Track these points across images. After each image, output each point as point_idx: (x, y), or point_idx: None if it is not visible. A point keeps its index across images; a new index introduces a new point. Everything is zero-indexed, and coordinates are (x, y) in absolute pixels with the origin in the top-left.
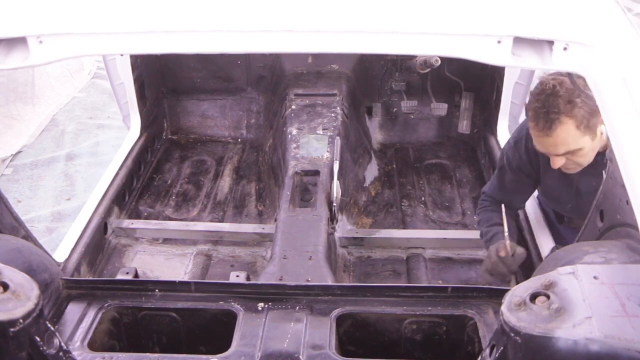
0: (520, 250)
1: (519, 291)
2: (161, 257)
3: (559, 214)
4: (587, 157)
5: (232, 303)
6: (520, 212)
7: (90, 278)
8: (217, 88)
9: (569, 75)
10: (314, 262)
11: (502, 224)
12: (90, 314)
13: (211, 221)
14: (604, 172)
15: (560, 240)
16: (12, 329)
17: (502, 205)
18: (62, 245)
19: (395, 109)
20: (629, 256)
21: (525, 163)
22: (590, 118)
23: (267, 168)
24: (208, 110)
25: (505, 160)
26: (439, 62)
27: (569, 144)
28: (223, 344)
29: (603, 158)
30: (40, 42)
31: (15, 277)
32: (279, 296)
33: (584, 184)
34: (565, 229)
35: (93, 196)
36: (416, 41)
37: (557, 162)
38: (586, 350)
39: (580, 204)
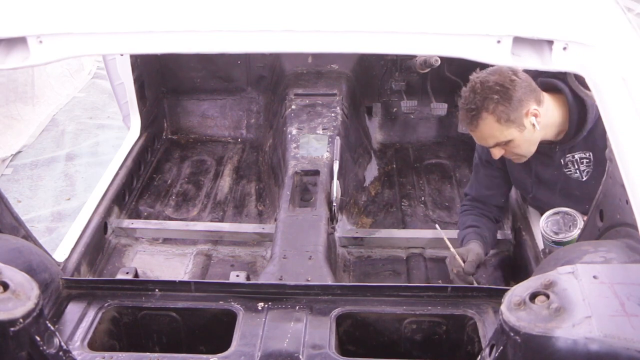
0: (471, 257)
1: (518, 291)
2: (161, 257)
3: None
4: (522, 148)
5: (232, 303)
6: (518, 210)
7: (90, 278)
8: (217, 88)
9: (501, 67)
10: (314, 262)
11: (474, 226)
12: (90, 313)
13: (211, 221)
14: (561, 160)
15: None
16: (12, 329)
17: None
18: (62, 245)
19: (395, 109)
20: (628, 256)
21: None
22: (510, 112)
23: (267, 168)
24: (208, 110)
25: (477, 157)
26: (439, 62)
27: (495, 137)
28: (223, 344)
29: (556, 148)
30: (40, 42)
31: (15, 276)
32: (279, 296)
33: (543, 173)
34: None
35: (93, 196)
36: (416, 41)
37: (496, 153)
38: (586, 350)
39: (543, 192)
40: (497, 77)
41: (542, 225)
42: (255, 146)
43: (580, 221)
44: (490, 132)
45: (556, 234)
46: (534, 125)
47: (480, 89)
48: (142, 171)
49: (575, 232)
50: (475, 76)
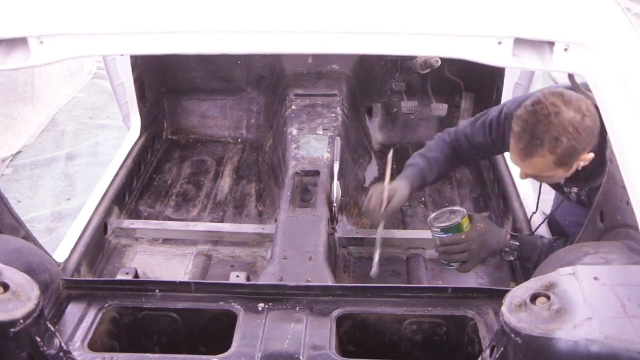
0: (394, 201)
1: (519, 292)
2: (161, 257)
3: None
4: (554, 180)
5: (232, 303)
6: (520, 211)
7: (90, 278)
8: (217, 88)
9: (574, 96)
10: (314, 263)
11: (428, 167)
12: (91, 314)
13: (211, 221)
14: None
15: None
16: (12, 330)
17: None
18: (62, 245)
19: (395, 110)
20: (629, 257)
21: (493, 143)
22: (571, 155)
23: (267, 168)
24: (208, 110)
25: (494, 121)
26: (439, 62)
27: (539, 172)
28: (223, 345)
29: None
30: (41, 42)
31: (16, 277)
32: (279, 296)
33: None
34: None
35: (93, 196)
36: (416, 42)
37: (523, 176)
38: (586, 351)
39: None
40: (574, 114)
41: (430, 223)
42: (255, 146)
43: (464, 211)
44: (538, 167)
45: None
46: (578, 166)
47: (553, 121)
48: (142, 171)
49: (457, 219)
50: (549, 102)
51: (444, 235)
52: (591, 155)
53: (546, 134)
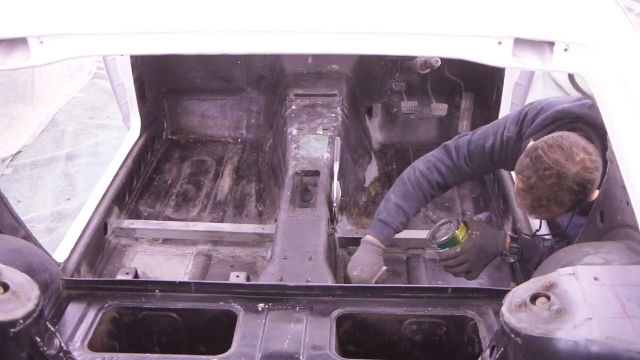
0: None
1: (519, 292)
2: (161, 257)
3: None
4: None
5: (232, 303)
6: (519, 211)
7: (90, 278)
8: (217, 88)
9: (574, 145)
10: (314, 263)
11: (405, 212)
12: (90, 314)
13: (211, 221)
14: None
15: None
16: (12, 330)
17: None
18: (62, 245)
19: (395, 110)
20: (629, 257)
21: (494, 166)
22: (579, 204)
23: (267, 168)
24: (208, 110)
25: (497, 142)
26: (439, 62)
27: (551, 215)
28: (223, 345)
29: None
30: (41, 42)
31: (16, 277)
32: (279, 297)
33: None
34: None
35: (93, 196)
36: (416, 42)
37: (536, 216)
38: (587, 352)
39: None
40: (577, 170)
41: (429, 240)
42: (255, 146)
43: (457, 221)
44: (551, 215)
45: (437, 237)
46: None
47: (559, 183)
48: (142, 171)
49: (451, 232)
50: (551, 158)
51: (442, 251)
52: (597, 192)
53: (552, 196)
